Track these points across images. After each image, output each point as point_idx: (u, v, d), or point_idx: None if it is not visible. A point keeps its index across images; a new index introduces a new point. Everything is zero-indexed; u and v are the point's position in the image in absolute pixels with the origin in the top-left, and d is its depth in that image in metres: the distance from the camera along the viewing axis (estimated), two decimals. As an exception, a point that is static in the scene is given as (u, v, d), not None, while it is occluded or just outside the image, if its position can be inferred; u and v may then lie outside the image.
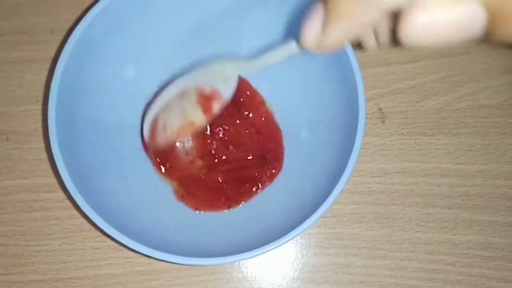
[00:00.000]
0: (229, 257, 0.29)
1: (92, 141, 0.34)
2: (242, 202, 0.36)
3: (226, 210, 0.36)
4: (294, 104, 0.37)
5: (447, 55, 0.40)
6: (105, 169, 0.34)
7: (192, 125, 0.34)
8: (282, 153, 0.37)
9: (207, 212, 0.36)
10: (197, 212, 0.36)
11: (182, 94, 0.33)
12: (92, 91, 0.34)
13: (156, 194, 0.36)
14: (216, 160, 0.37)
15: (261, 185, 0.36)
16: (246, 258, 0.29)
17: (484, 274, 0.36)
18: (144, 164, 0.37)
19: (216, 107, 0.34)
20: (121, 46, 0.35)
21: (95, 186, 0.32)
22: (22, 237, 0.37)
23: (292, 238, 0.29)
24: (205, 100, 0.33)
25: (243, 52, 0.34)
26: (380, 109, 0.39)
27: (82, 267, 0.36)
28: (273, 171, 0.37)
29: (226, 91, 0.33)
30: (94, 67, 0.34)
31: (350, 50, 0.31)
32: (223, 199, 0.36)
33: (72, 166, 0.30)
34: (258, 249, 0.29)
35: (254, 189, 0.36)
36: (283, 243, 0.29)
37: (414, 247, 0.37)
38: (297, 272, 0.37)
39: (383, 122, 0.39)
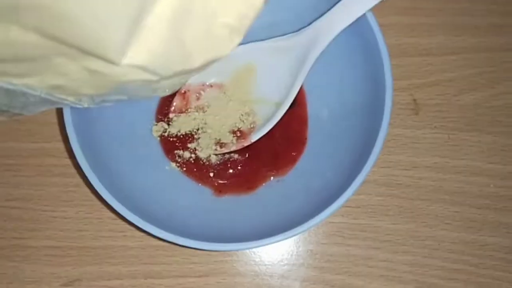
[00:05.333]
0: (243, 243, 0.29)
1: (108, 125, 0.33)
2: (263, 184, 0.35)
3: (245, 194, 0.35)
4: (325, 88, 0.36)
5: (488, 50, 0.38)
6: (120, 152, 0.33)
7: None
8: (305, 138, 0.36)
9: (227, 195, 0.35)
10: (217, 195, 0.35)
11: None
12: None
13: (174, 178, 0.35)
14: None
15: (280, 168, 0.35)
16: (264, 245, 0.29)
17: (507, 278, 0.35)
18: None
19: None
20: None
21: (112, 171, 0.31)
22: (39, 201, 0.36)
23: (310, 228, 0.29)
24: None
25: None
26: (414, 100, 0.38)
27: (98, 236, 0.36)
28: (294, 153, 0.35)
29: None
30: None
31: (379, 35, 0.30)
32: (242, 181, 0.35)
33: (88, 151, 0.29)
34: (276, 236, 0.29)
35: (273, 172, 0.35)
36: (300, 233, 0.29)
37: (439, 244, 0.36)
38: (316, 260, 0.36)
39: (417, 114, 0.38)
